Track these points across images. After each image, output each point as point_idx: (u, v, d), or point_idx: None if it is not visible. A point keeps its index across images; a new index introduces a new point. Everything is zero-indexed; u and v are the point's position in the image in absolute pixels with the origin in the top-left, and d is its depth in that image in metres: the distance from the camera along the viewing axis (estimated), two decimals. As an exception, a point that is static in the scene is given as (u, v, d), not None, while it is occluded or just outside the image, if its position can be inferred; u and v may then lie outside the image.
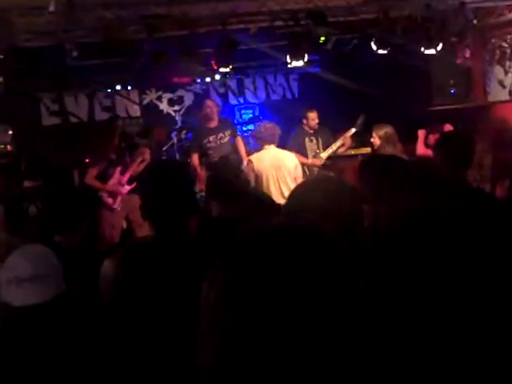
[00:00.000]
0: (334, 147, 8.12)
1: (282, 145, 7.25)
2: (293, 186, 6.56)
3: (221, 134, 8.22)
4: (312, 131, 8.21)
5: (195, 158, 8.16)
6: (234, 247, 1.01)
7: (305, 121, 8.20)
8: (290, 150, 7.50)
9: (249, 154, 7.80)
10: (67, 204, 3.48)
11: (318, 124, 8.22)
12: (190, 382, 1.86)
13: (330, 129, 8.38)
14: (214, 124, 8.26)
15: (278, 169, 6.77)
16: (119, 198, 7.52)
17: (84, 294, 2.66)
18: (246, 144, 9.12)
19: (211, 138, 8.20)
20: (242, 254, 0.98)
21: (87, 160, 8.54)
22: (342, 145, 8.15)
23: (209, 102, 8.44)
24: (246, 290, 0.93)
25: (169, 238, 2.53)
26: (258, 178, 6.74)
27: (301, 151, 7.94)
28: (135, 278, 2.40)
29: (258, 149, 7.12)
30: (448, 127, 7.16)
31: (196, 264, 2.42)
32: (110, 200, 7.47)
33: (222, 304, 0.95)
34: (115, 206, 7.49)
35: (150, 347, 2.25)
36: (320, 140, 8.23)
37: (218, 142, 8.20)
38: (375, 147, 6.82)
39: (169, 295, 2.36)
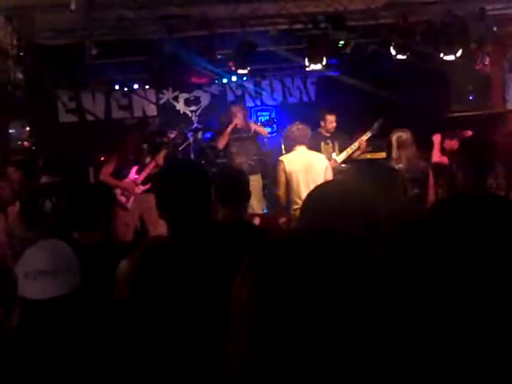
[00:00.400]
0: (349, 150, 8.11)
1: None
2: None
3: (244, 134, 8.48)
4: (328, 134, 8.23)
5: (222, 142, 8.36)
6: (268, 246, 1.01)
7: (322, 123, 8.23)
8: None
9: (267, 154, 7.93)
10: (87, 201, 3.47)
11: (335, 128, 8.23)
12: (205, 378, 1.84)
13: (347, 133, 8.37)
14: (239, 125, 8.55)
15: (309, 170, 6.72)
16: (132, 198, 7.54)
17: (100, 290, 2.66)
18: (262, 145, 9.19)
19: (235, 136, 8.52)
20: (275, 252, 0.98)
21: (102, 158, 8.58)
22: (358, 148, 8.14)
23: (235, 109, 8.63)
24: (279, 288, 0.93)
25: (186, 237, 2.51)
26: (288, 179, 6.70)
27: None
28: (152, 277, 2.39)
29: (288, 150, 7.12)
30: (464, 133, 7.10)
31: (213, 264, 2.41)
32: (123, 198, 7.49)
33: (253, 300, 0.95)
34: (128, 205, 7.51)
35: (166, 345, 2.24)
36: (336, 143, 8.24)
37: (241, 141, 8.48)
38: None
39: (185, 295, 2.34)
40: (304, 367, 0.90)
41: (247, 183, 4.00)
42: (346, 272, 0.94)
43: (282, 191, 6.76)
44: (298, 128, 6.85)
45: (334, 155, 8.16)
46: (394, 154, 6.49)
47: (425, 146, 7.16)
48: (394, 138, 6.80)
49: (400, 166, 6.11)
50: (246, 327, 0.95)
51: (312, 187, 7.04)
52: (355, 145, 8.12)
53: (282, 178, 6.73)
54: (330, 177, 6.80)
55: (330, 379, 0.90)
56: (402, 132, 6.80)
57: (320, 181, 6.60)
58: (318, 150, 8.08)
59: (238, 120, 8.44)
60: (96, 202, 3.61)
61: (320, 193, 2.16)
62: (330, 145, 8.26)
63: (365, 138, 8.06)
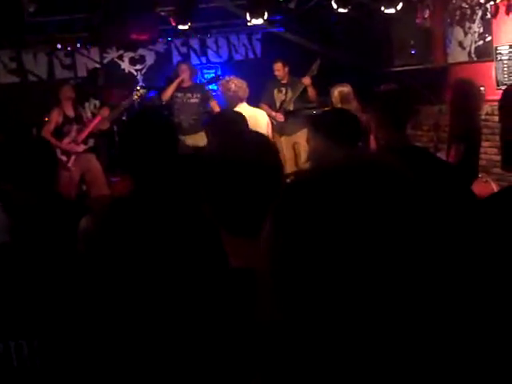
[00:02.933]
0: (293, 96, 8.27)
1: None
2: None
3: (189, 94, 8.50)
4: (284, 82, 8.34)
5: (166, 95, 8.40)
6: (306, 183, 0.85)
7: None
8: (263, 101, 8.03)
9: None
10: (32, 158, 3.31)
11: (289, 75, 8.35)
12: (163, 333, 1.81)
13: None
14: (186, 84, 8.58)
15: (255, 127, 6.08)
16: (73, 157, 7.45)
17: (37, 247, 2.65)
18: (207, 105, 9.17)
19: (179, 94, 8.48)
20: (318, 189, 0.82)
21: (46, 119, 8.43)
22: (305, 90, 8.25)
23: (183, 67, 8.62)
24: (327, 230, 0.78)
25: (151, 192, 2.42)
26: None
27: (270, 102, 8.18)
28: (113, 234, 2.33)
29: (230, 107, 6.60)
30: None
31: (178, 219, 2.35)
32: (63, 157, 7.39)
33: (296, 248, 0.79)
34: (69, 165, 7.42)
35: (124, 302, 2.19)
36: (290, 91, 8.34)
37: (185, 100, 8.42)
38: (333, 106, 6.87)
39: (146, 252, 2.29)
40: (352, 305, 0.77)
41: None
42: (395, 206, 0.79)
43: None
44: (236, 84, 6.45)
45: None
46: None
47: (368, 100, 7.21)
48: (336, 93, 6.90)
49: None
50: (289, 269, 0.80)
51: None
52: (297, 89, 8.27)
53: None
54: (270, 132, 6.61)
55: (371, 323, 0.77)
56: (343, 86, 6.90)
57: None
58: (271, 97, 8.26)
59: (185, 77, 8.47)
60: (40, 158, 3.47)
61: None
62: (284, 92, 8.37)
63: (304, 81, 8.20)
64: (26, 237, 2.86)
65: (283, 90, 8.37)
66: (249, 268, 1.46)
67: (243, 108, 6.40)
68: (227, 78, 6.70)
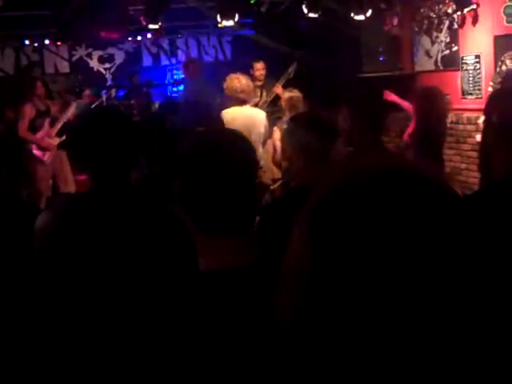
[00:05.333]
0: (267, 99, 8.20)
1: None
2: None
3: None
4: (259, 83, 8.22)
5: None
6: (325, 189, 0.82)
7: (251, 71, 8.07)
8: None
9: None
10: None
11: (266, 77, 8.24)
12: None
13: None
14: None
15: (252, 128, 6.02)
16: (48, 152, 7.39)
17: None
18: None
19: None
20: (335, 194, 0.79)
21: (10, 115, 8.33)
22: (276, 96, 8.19)
23: None
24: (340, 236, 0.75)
25: (110, 190, 2.39)
26: None
27: None
28: (73, 231, 2.29)
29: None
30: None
31: (139, 218, 2.33)
32: (39, 153, 7.31)
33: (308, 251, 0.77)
34: (45, 159, 7.35)
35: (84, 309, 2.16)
36: (264, 94, 8.26)
37: None
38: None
39: (107, 251, 2.26)
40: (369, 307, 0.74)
41: None
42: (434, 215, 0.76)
43: None
44: (249, 85, 6.11)
45: None
46: (285, 114, 6.41)
47: (334, 106, 7.25)
48: (286, 97, 6.65)
49: None
50: (297, 278, 0.78)
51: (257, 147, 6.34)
52: (271, 94, 8.21)
53: None
54: (267, 135, 6.40)
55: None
56: (293, 92, 6.66)
57: (260, 140, 6.12)
58: None
59: None
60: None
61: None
62: (258, 94, 8.27)
63: (279, 84, 8.12)
64: None
65: (258, 92, 8.29)
66: (222, 269, 1.47)
67: (244, 107, 6.16)
68: (240, 75, 6.23)
